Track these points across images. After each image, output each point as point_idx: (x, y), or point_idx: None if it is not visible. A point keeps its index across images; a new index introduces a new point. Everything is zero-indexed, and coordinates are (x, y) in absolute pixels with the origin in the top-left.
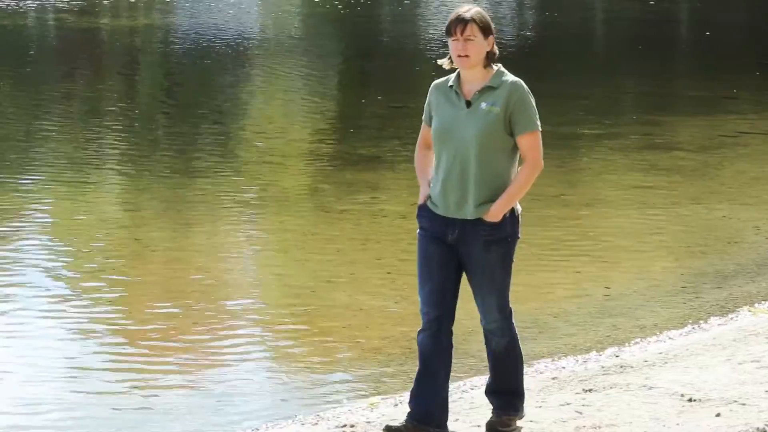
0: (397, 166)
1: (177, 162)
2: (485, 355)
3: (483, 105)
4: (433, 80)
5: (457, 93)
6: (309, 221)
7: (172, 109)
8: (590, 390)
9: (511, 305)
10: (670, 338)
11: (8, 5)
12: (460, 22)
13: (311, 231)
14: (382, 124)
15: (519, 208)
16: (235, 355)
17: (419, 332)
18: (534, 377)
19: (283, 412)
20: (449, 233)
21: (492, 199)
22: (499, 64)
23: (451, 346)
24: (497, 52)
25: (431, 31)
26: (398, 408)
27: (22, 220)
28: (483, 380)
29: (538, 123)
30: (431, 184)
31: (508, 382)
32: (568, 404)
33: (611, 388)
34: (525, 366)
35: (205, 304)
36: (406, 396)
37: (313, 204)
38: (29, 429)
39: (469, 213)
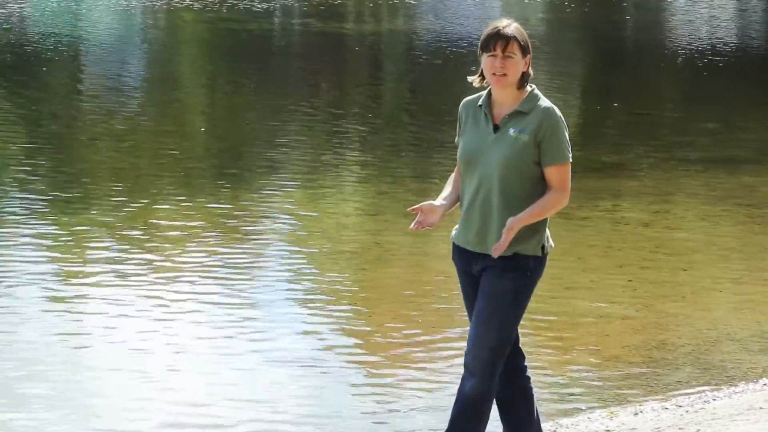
0: (640, 173)
1: (418, 166)
2: (728, 366)
3: (511, 131)
4: (679, 88)
5: (486, 115)
6: (549, 227)
7: (414, 114)
8: None
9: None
10: None
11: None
12: (501, 38)
13: (552, 237)
14: (624, 131)
15: (551, 244)
16: None
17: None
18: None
19: None
20: (474, 265)
21: (518, 238)
22: (533, 86)
23: (526, 379)
24: (532, 73)
25: (676, 39)
26: (638, 417)
27: (265, 223)
28: (727, 391)
29: (569, 154)
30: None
31: None
32: None
33: None
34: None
35: (444, 309)
36: (646, 405)
37: None
38: (266, 426)
39: (490, 247)
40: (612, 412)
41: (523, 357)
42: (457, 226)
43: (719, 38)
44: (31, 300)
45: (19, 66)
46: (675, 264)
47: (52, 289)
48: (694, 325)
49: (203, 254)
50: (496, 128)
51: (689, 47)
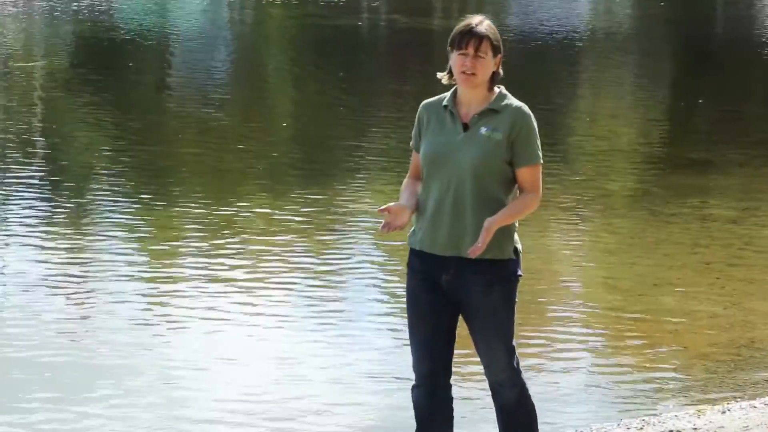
0: (728, 170)
1: None
2: None
3: (483, 130)
4: (761, 86)
5: (452, 114)
6: (637, 224)
7: None
8: None
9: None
10: None
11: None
12: (474, 36)
13: (639, 234)
14: (712, 128)
15: (520, 246)
16: (560, 357)
17: (412, 388)
18: None
19: (608, 415)
20: (443, 274)
21: (493, 240)
22: (502, 86)
23: (450, 401)
24: (502, 73)
25: (766, 34)
26: (726, 415)
27: (350, 220)
28: None
29: (541, 155)
30: (418, 222)
31: None
32: None
33: None
34: None
35: (529, 305)
36: (734, 403)
37: (641, 207)
38: None
39: (464, 251)
40: (699, 410)
41: (449, 375)
42: (413, 229)
43: None
44: (117, 296)
45: (105, 60)
46: (764, 261)
47: (138, 283)
48: None
49: (288, 252)
50: (465, 127)
51: None
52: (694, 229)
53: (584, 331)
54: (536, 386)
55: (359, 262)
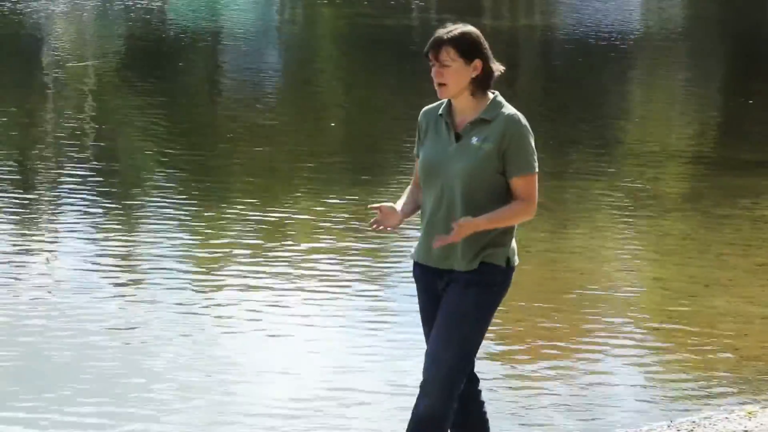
0: None
1: (555, 163)
2: None
3: (474, 140)
4: None
5: (447, 123)
6: (688, 225)
7: (549, 110)
8: None
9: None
10: None
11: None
12: (434, 45)
13: (690, 235)
14: (763, 128)
15: (516, 260)
16: (610, 357)
17: None
18: None
19: (658, 416)
20: (438, 281)
21: (484, 248)
22: (496, 92)
23: (480, 405)
24: (493, 74)
25: None
26: None
27: (403, 224)
28: None
29: (536, 164)
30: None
31: None
32: None
33: None
34: None
35: (580, 306)
36: None
37: (692, 208)
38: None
39: (457, 264)
40: (750, 413)
41: (477, 382)
42: (417, 243)
43: None
44: (167, 300)
45: (156, 60)
46: None
47: (189, 287)
48: None
49: (339, 257)
50: (458, 137)
51: None
52: (746, 230)
53: (635, 331)
54: (587, 386)
55: (411, 268)
